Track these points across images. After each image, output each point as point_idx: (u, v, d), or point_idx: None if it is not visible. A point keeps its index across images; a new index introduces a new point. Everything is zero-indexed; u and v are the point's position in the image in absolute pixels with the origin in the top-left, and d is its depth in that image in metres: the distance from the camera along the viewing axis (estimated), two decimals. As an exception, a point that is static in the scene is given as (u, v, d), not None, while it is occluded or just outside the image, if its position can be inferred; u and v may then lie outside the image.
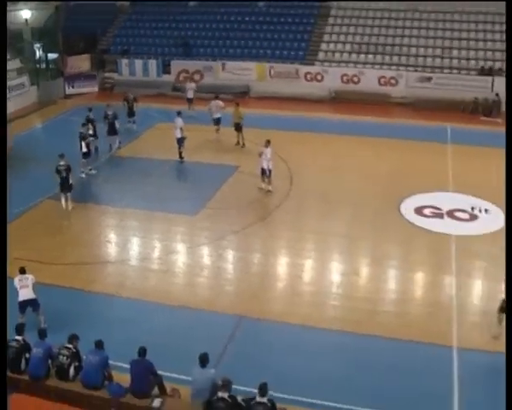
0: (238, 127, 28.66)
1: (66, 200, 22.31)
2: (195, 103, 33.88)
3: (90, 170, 25.63)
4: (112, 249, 19.94)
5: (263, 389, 11.18)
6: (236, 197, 23.29)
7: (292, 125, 31.69)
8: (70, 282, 17.06)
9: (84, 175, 25.19)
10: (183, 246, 19.96)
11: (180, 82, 38.85)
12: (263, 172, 23.54)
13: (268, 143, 23.42)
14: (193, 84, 35.42)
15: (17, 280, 15.07)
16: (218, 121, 29.77)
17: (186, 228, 21.07)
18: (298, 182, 24.52)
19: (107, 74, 41.63)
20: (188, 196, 23.76)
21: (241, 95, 37.56)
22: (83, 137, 25.13)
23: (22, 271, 15.24)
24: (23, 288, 14.96)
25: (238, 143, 28.83)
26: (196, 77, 39.27)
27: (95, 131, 27.34)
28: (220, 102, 29.94)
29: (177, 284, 17.76)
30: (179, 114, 27.19)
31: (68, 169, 21.99)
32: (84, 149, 25.09)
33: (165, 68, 40.40)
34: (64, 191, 22.16)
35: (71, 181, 22.11)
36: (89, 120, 27.00)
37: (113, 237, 20.85)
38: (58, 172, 21.92)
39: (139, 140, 30.12)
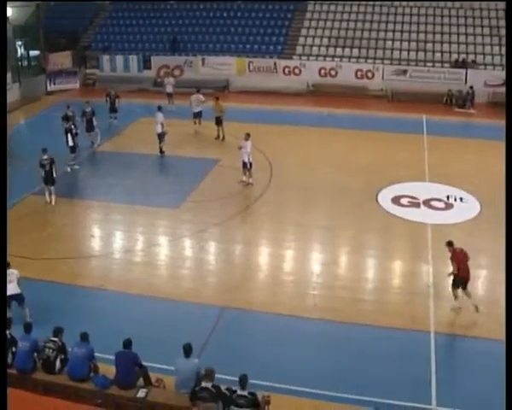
0: (218, 121, 28.63)
1: (50, 194, 22.21)
2: (176, 98, 33.78)
3: (74, 165, 25.46)
4: (96, 243, 19.85)
5: (242, 381, 11.14)
6: (217, 190, 23.25)
7: (271, 119, 31.71)
8: (55, 276, 16.94)
9: (69, 169, 25.04)
10: (165, 239, 19.90)
11: (161, 77, 38.71)
12: (244, 165, 23.55)
13: (248, 136, 23.41)
14: (171, 79, 35.23)
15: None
16: (198, 115, 29.73)
17: (168, 221, 21.02)
18: (277, 174, 24.53)
19: (88, 71, 41.40)
20: (169, 189, 23.67)
21: (221, 89, 37.52)
22: (69, 131, 25.02)
23: (7, 266, 15.13)
24: (9, 283, 14.81)
25: (218, 136, 28.79)
26: (177, 72, 39.17)
27: (75, 127, 27.20)
28: (201, 96, 29.89)
29: (160, 276, 17.73)
30: (160, 109, 27.09)
31: (52, 162, 21.93)
32: (71, 143, 24.96)
33: (146, 64, 40.27)
34: (48, 185, 22.10)
35: (54, 174, 22.05)
36: (67, 117, 26.78)
37: (97, 231, 20.76)
38: (42, 166, 21.87)
39: (122, 135, 29.98)
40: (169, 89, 34.32)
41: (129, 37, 42.46)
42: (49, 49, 40.33)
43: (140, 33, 42.45)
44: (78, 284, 16.82)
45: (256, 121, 30.27)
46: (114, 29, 43.31)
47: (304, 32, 39.90)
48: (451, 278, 15.36)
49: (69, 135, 24.94)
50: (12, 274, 14.97)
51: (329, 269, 17.82)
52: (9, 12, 39.36)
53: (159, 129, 26.51)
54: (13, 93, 36.16)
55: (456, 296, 15.44)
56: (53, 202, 22.17)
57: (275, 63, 38.17)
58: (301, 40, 39.44)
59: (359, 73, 36.83)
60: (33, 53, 40.93)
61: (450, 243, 15.52)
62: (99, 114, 28.61)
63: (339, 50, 38.30)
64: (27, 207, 22.02)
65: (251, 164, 23.49)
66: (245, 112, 32.76)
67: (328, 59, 38.02)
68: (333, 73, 37.32)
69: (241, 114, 31.04)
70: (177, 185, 23.95)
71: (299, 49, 38.92)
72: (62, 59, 40.26)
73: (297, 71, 37.85)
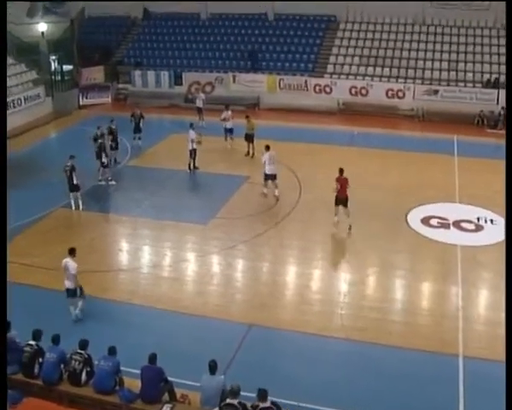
0: (249, 138, 28.79)
1: (76, 200, 22.83)
2: (206, 114, 33.96)
3: (110, 180, 25.74)
4: (124, 257, 20.01)
5: (261, 395, 11.21)
6: (246, 207, 23.34)
7: (301, 137, 31.70)
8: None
9: (103, 182, 25.45)
10: (193, 254, 19.97)
11: (192, 93, 38.98)
12: (265, 177, 23.83)
13: (267, 148, 23.86)
14: (202, 95, 35.48)
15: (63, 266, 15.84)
16: (230, 131, 29.97)
17: (197, 237, 21.10)
18: (307, 192, 24.53)
19: (120, 85, 41.84)
20: (198, 205, 23.83)
21: (251, 106, 37.68)
22: (104, 148, 25.43)
23: (71, 254, 15.98)
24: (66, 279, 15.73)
25: (248, 153, 28.92)
26: (207, 88, 39.39)
27: (116, 142, 27.58)
28: (229, 112, 30.13)
29: (187, 292, 17.79)
30: (192, 126, 27.30)
31: (72, 169, 22.44)
32: (104, 160, 25.32)
33: (177, 80, 40.54)
34: (72, 192, 22.72)
35: (75, 181, 22.53)
36: (111, 131, 27.16)
37: (125, 245, 20.92)
38: (64, 172, 22.61)
39: (152, 150, 30.21)
40: (199, 103, 34.55)
41: (160, 52, 42.90)
42: (83, 64, 40.94)
43: (172, 49, 42.87)
44: (106, 298, 16.96)
45: (286, 139, 30.33)
46: (146, 45, 43.81)
47: (335, 50, 39.95)
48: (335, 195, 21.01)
49: (103, 152, 25.30)
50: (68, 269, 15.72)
51: (357, 289, 17.73)
52: (44, 27, 40.26)
53: (190, 146, 26.70)
54: (45, 107, 36.79)
55: (336, 213, 21.27)
56: (80, 208, 22.78)
57: (305, 81, 38.24)
58: (332, 58, 39.50)
59: (390, 93, 36.74)
60: (67, 68, 41.46)
61: (341, 171, 21.39)
62: (124, 131, 28.97)
63: (370, 69, 38.26)
64: (56, 220, 22.30)
65: (274, 176, 23.83)
66: (275, 129, 32.83)
67: (358, 78, 38.00)
68: (363, 91, 37.28)
69: (271, 132, 31.08)
70: (206, 202, 24.08)
71: (330, 68, 38.96)
72: (95, 74, 40.84)
73: (328, 89, 37.87)
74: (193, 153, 26.79)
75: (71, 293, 15.90)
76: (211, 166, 27.32)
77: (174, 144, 30.35)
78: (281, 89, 38.61)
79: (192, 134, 26.80)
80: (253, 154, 28.64)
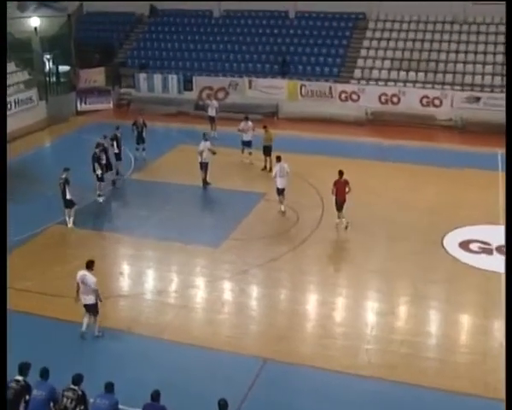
0: (267, 151, 28.88)
1: (69, 217, 23.11)
2: (218, 123, 34.19)
3: (99, 195, 25.86)
4: (125, 282, 20.11)
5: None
6: (262, 227, 23.44)
7: (324, 150, 31.68)
8: (77, 316, 17.08)
9: (101, 200, 25.63)
10: (202, 280, 20.05)
11: (203, 100, 39.20)
12: (277, 191, 24.31)
13: (278, 159, 24.56)
14: (215, 102, 35.55)
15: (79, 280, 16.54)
16: (249, 144, 29.99)
17: (207, 260, 21.20)
18: (330, 212, 24.45)
19: (123, 90, 42.17)
20: (209, 225, 23.98)
21: (269, 115, 37.83)
22: (97, 159, 25.51)
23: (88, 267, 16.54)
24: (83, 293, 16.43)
25: (265, 167, 29.01)
26: (220, 95, 39.60)
27: (120, 151, 27.85)
28: (250, 123, 30.11)
29: (195, 321, 17.83)
30: (205, 137, 27.45)
31: (65, 182, 22.73)
32: (99, 172, 25.43)
33: (187, 85, 40.77)
34: (66, 208, 23.10)
35: (69, 196, 22.80)
36: (116, 139, 27.45)
37: (126, 268, 21.04)
38: (59, 185, 22.95)
39: (158, 163, 30.44)
40: (211, 112, 34.72)
41: (168, 54, 43.21)
42: (81, 65, 41.26)
43: (181, 50, 43.15)
44: (105, 326, 16.98)
45: (307, 152, 30.40)
46: (153, 44, 44.15)
47: (363, 52, 40.05)
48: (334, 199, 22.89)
49: (96, 163, 25.45)
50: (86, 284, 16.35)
51: (386, 321, 17.68)
52: (37, 22, 40.24)
53: (200, 158, 26.78)
54: (39, 112, 36.91)
55: (338, 216, 23.07)
56: (69, 225, 23.01)
57: (330, 87, 38.35)
58: (360, 62, 39.59)
59: (425, 100, 36.70)
60: (63, 68, 41.70)
61: (340, 173, 23.17)
62: (126, 141, 29.21)
63: (402, 74, 38.27)
64: (51, 237, 22.48)
65: (281, 190, 24.31)
66: (295, 141, 32.92)
67: (389, 83, 38.02)
68: (395, 99, 37.31)
69: (291, 144, 31.16)
70: (218, 221, 24.25)
71: (357, 73, 39.07)
72: (95, 76, 41.18)
73: (355, 96, 37.96)
74: (204, 166, 26.95)
75: (91, 309, 16.57)
76: (223, 181, 27.43)
77: (182, 156, 30.52)
78: (302, 96, 38.78)
79: (203, 145, 26.90)
80: (271, 168, 28.69)
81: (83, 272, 16.58)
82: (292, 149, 29.61)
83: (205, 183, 27.06)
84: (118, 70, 42.61)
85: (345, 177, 23.22)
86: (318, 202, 25.38)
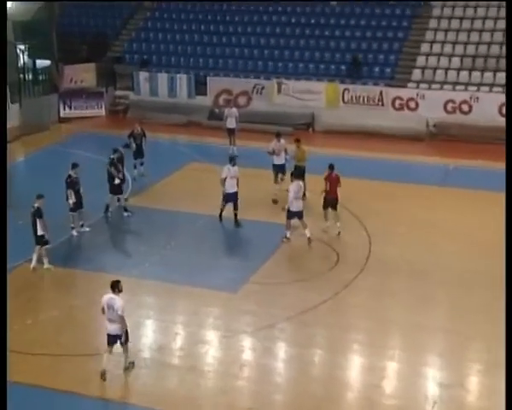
0: (299, 172, 28.73)
1: (39, 258, 23.06)
2: (238, 136, 34.45)
3: (82, 226, 26.07)
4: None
5: None
6: (293, 269, 23.57)
7: (373, 172, 31.72)
8: (54, 381, 17.12)
9: (75, 233, 25.75)
10: (216, 335, 20.02)
11: (219, 107, 39.32)
12: (289, 215, 25.10)
13: (294, 176, 25.48)
14: (234, 110, 35.32)
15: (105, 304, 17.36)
16: (282, 169, 29.35)
17: (221, 309, 21.21)
18: (379, 251, 24.46)
19: (118, 93, 42.58)
20: (226, 264, 24.00)
21: (303, 127, 38.00)
22: (70, 183, 25.37)
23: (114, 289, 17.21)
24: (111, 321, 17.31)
25: (298, 192, 29.02)
26: (242, 100, 39.77)
27: (123, 171, 27.93)
28: (283, 142, 29.37)
29: (206, 388, 17.74)
30: (232, 161, 26.93)
31: (36, 214, 22.67)
32: (72, 200, 25.30)
33: (200, 87, 41.05)
34: (36, 244, 22.99)
35: (40, 231, 22.73)
36: (119, 158, 27.49)
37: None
38: (30, 215, 22.82)
39: (161, 185, 30.69)
40: (230, 123, 34.68)
41: (176, 48, 43.51)
42: (65, 60, 41.48)
43: (192, 43, 43.45)
44: (88, 394, 16.96)
45: (351, 175, 30.17)
46: (157, 36, 44.42)
47: (425, 47, 39.98)
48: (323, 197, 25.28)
49: (70, 190, 25.35)
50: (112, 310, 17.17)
51: (453, 394, 17.46)
52: (9, 4, 40.22)
53: (226, 189, 26.48)
54: (10, 118, 36.04)
55: (326, 218, 25.76)
56: (44, 265, 23.06)
57: (381, 92, 38.45)
58: (421, 60, 39.50)
59: (505, 109, 36.33)
60: (42, 63, 41.81)
61: (331, 167, 25.84)
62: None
63: (476, 75, 38.05)
64: (22, 278, 22.52)
65: (301, 213, 24.98)
66: (335, 161, 32.65)
67: (458, 87, 37.86)
68: (465, 107, 37.14)
69: (328, 164, 31.23)
70: (237, 259, 24.45)
71: (416, 74, 39.05)
72: (83, 74, 41.54)
73: (412, 104, 37.97)
74: (228, 198, 26.61)
75: (116, 340, 17.41)
76: (245, 209, 27.26)
77: (193, 177, 30.70)
78: (345, 103, 38.95)
79: (228, 171, 26.39)
80: (304, 193, 28.64)
81: (109, 296, 17.33)
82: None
83: (220, 216, 26.93)
84: (112, 67, 43.00)
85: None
86: (364, 238, 25.40)
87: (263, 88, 40.15)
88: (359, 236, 25.62)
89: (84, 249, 25.09)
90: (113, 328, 17.25)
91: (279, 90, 39.89)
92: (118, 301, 17.16)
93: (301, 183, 25.40)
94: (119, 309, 17.05)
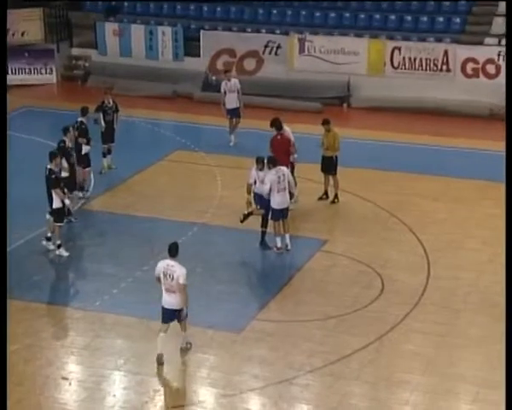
0: (329, 164, 28.86)
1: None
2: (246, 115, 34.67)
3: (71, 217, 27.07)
4: (72, 393, 20.11)
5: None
6: (318, 299, 23.56)
7: (433, 166, 31.89)
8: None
9: (58, 253, 26.11)
10: (212, 393, 20.04)
11: (218, 73, 39.32)
12: (274, 215, 25.78)
13: (272, 162, 25.59)
14: (234, 82, 35.00)
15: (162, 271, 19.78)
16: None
17: (220, 357, 21.27)
18: (441, 276, 24.53)
19: (76, 51, 42.67)
20: (226, 293, 23.99)
21: (335, 102, 38.08)
22: (54, 181, 25.76)
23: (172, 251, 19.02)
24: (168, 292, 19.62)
25: (326, 193, 29.33)
26: (249, 64, 39.80)
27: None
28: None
29: None
30: (261, 163, 26.28)
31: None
32: (57, 205, 25.60)
33: (191, 46, 41.08)
34: None
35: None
36: (61, 148, 27.45)
37: (76, 369, 21.12)
38: None
39: (137, 182, 31.05)
40: (231, 101, 34.48)
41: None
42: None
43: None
44: None
45: (401, 169, 30.48)
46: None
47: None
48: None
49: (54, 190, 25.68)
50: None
51: None
52: None
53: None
54: None
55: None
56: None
57: (446, 53, 38.44)
58: (503, 5, 39.31)
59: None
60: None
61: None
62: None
63: None
64: None
65: (280, 212, 25.62)
66: (378, 149, 33.03)
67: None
68: None
69: (370, 153, 31.36)
70: (241, 286, 24.55)
71: (497, 24, 38.84)
72: (24, 24, 41.51)
73: (491, 69, 37.91)
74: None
75: (174, 316, 19.83)
76: (252, 218, 27.36)
77: (180, 171, 31.01)
78: (394, 68, 39.04)
79: (257, 174, 26.21)
80: (336, 196, 28.73)
81: (166, 262, 19.79)
82: (369, 163, 29.80)
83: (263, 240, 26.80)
84: (66, 15, 42.99)
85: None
86: (420, 257, 25.63)
87: (278, 47, 40.20)
88: (414, 254, 25.75)
89: (28, 274, 25.02)
90: (172, 301, 19.72)
91: (301, 50, 39.95)
92: (178, 267, 19.48)
93: (283, 169, 25.50)
94: (180, 277, 19.39)
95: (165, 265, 19.73)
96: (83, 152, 28.31)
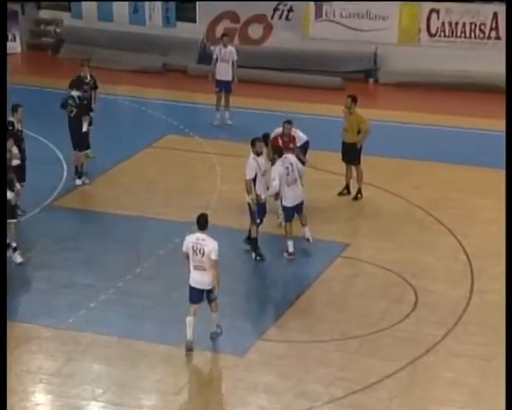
0: (353, 154, 28.81)
1: None
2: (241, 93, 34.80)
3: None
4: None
5: None
6: (338, 314, 23.60)
7: (481, 155, 31.93)
8: None
9: (12, 257, 26.11)
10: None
11: (215, 42, 39.41)
12: (287, 214, 25.94)
13: (278, 152, 25.72)
14: (230, 50, 35.52)
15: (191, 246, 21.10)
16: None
17: (219, 384, 21.34)
18: (486, 286, 24.55)
19: (44, 14, 42.74)
20: (227, 305, 23.87)
21: (359, 77, 38.17)
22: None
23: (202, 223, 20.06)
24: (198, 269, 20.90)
25: (347, 188, 29.36)
26: (255, 31, 39.90)
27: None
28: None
29: None
30: (257, 149, 26.00)
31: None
32: (11, 197, 25.54)
33: (184, 9, 41.14)
34: None
35: None
36: (10, 131, 27.59)
37: (44, 400, 21.11)
38: None
39: (119, 173, 31.18)
40: (222, 72, 34.86)
41: None
42: None
43: None
44: None
45: (436, 158, 30.52)
46: None
47: None
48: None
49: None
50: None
51: None
52: None
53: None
54: None
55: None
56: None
57: (495, 15, 38.35)
58: None
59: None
60: None
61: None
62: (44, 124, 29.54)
63: None
64: None
65: (294, 209, 25.74)
66: (411, 133, 33.12)
67: None
68: None
69: (400, 139, 31.48)
70: (246, 299, 24.74)
71: None
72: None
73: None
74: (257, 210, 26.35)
75: (202, 297, 21.17)
76: (268, 219, 27.38)
77: (170, 159, 31.07)
78: (431, 36, 39.05)
79: (256, 164, 26.03)
80: (359, 190, 28.73)
81: (196, 235, 21.08)
82: (403, 151, 29.88)
83: (248, 240, 26.99)
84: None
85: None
86: (461, 265, 25.70)
87: (290, 10, 40.29)
88: (454, 261, 25.84)
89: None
90: (202, 279, 20.86)
91: (318, 15, 40.02)
92: (210, 241, 20.67)
93: (289, 157, 25.62)
94: (212, 252, 20.58)
95: (195, 239, 20.76)
96: (84, 129, 28.55)
